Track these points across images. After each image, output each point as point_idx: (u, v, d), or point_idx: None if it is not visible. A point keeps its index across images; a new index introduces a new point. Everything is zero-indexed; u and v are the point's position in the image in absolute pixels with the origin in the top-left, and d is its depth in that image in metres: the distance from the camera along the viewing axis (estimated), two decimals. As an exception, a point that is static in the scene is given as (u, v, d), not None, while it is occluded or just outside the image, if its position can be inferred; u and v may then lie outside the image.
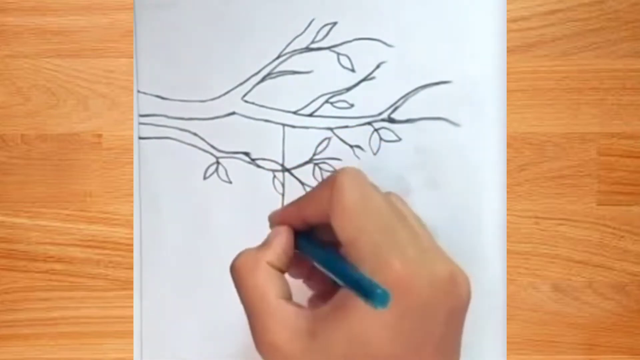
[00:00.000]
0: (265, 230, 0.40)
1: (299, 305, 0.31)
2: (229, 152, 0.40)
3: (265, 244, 0.32)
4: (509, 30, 0.40)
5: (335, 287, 0.30)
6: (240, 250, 0.32)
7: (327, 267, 0.31)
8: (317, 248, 0.32)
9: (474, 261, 0.39)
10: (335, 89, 0.40)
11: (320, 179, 0.40)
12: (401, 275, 0.28)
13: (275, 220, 0.34)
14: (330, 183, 0.31)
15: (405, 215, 0.32)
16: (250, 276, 0.31)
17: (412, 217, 0.33)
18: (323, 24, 0.40)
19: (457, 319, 0.30)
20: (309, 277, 0.35)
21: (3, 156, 0.41)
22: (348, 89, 0.40)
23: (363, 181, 0.31)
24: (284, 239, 0.32)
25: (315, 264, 0.32)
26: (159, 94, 0.41)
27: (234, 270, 0.31)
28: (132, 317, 0.41)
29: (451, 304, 0.30)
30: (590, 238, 0.40)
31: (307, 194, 0.33)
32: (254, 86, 0.40)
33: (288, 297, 0.31)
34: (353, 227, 0.29)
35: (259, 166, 0.40)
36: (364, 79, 0.40)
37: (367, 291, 0.27)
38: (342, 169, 0.31)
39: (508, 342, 0.40)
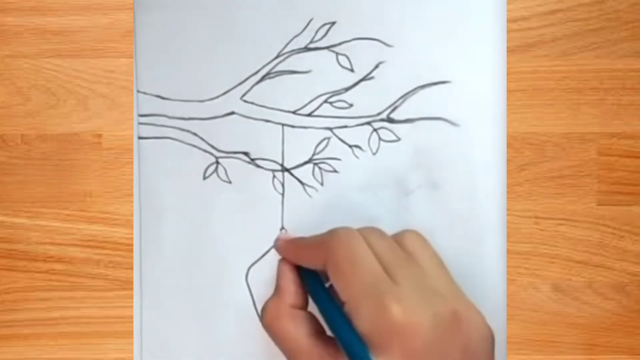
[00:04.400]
0: (264, 230, 0.40)
1: (330, 338, 0.32)
2: (229, 152, 0.40)
3: (278, 288, 0.35)
4: (509, 30, 0.40)
5: None
6: (263, 303, 0.35)
7: (325, 318, 0.33)
8: (319, 290, 0.34)
9: (474, 261, 0.39)
10: (334, 89, 0.40)
11: (319, 179, 0.40)
12: (400, 320, 0.29)
13: (276, 247, 0.37)
14: (324, 246, 0.33)
15: (412, 256, 0.33)
16: (278, 325, 0.33)
17: (425, 256, 0.34)
18: (322, 24, 0.40)
19: (476, 356, 0.31)
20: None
21: (3, 156, 0.41)
22: (347, 89, 0.40)
23: (355, 242, 0.32)
24: (292, 277, 0.35)
25: (315, 305, 0.34)
26: (158, 94, 0.41)
27: (266, 326, 0.34)
28: (132, 317, 0.41)
29: (461, 343, 0.30)
30: (590, 238, 0.40)
31: (306, 245, 0.35)
32: (252, 86, 0.40)
33: (319, 331, 0.33)
34: (349, 289, 0.31)
35: (258, 166, 0.40)
36: (363, 79, 0.40)
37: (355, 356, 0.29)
38: (334, 232, 0.33)
39: (508, 342, 0.40)
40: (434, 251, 0.35)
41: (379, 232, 0.35)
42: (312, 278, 0.35)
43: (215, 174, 0.41)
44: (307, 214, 0.40)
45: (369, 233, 0.34)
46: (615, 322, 0.40)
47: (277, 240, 0.37)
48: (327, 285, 0.34)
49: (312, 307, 0.35)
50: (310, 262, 0.34)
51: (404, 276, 0.31)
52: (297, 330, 0.33)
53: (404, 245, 0.34)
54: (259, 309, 0.40)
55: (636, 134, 0.40)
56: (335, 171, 0.40)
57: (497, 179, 0.39)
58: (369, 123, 0.40)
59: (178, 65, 0.41)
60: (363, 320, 0.30)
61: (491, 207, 0.39)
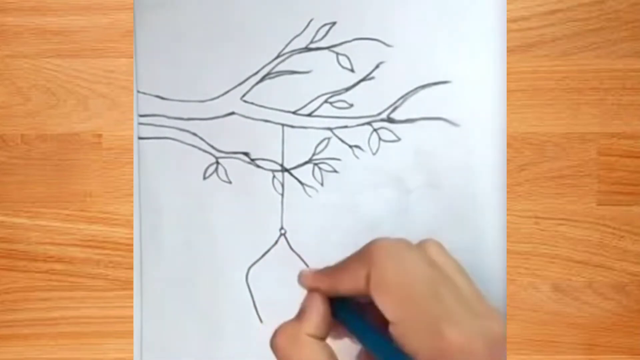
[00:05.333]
0: (264, 230, 0.40)
1: None
2: (229, 152, 0.40)
3: (302, 314, 0.32)
4: (509, 30, 0.40)
5: None
6: (278, 325, 0.32)
7: (366, 344, 0.31)
8: (356, 318, 0.32)
9: (474, 261, 0.39)
10: (335, 89, 0.40)
11: (319, 179, 0.40)
12: (459, 344, 0.28)
13: (306, 284, 0.34)
14: (366, 260, 0.31)
15: (444, 270, 0.32)
16: (293, 352, 0.31)
17: (451, 268, 0.32)
18: (322, 24, 0.40)
19: None
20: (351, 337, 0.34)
21: (3, 156, 0.41)
22: (347, 89, 0.40)
23: (399, 254, 0.31)
24: (320, 307, 0.32)
25: (352, 334, 0.33)
26: (158, 94, 0.41)
27: (276, 347, 0.31)
28: (132, 317, 0.41)
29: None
30: (590, 238, 0.40)
31: (341, 268, 0.32)
32: (253, 86, 0.40)
33: None
34: (399, 307, 0.29)
35: (258, 166, 0.40)
36: (363, 79, 0.40)
37: None
38: (376, 244, 0.31)
39: (508, 342, 0.40)
40: (457, 261, 0.33)
41: (410, 244, 0.33)
42: (347, 310, 0.33)
43: (215, 174, 0.41)
44: (307, 214, 0.40)
45: (405, 244, 0.32)
46: (615, 322, 0.40)
47: (300, 275, 0.34)
48: (364, 316, 0.33)
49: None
50: (348, 285, 0.32)
51: (446, 293, 0.30)
52: (313, 359, 0.31)
53: (431, 257, 0.32)
54: (259, 309, 0.40)
55: (636, 134, 0.40)
56: (335, 171, 0.40)
57: (497, 179, 0.39)
58: (369, 123, 0.40)
59: (178, 65, 0.41)
60: (415, 341, 0.29)
61: (491, 207, 0.39)
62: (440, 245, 0.33)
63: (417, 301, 0.29)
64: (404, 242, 0.32)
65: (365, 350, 0.32)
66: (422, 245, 0.33)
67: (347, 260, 0.32)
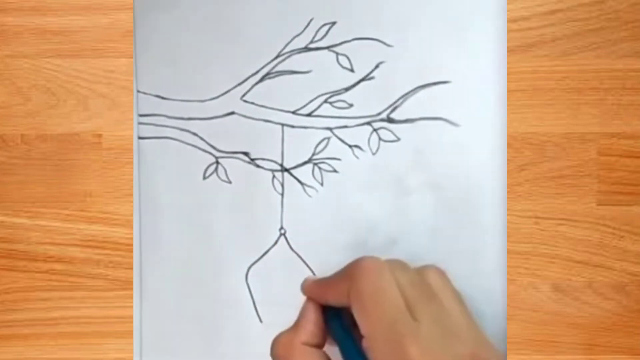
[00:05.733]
0: (264, 230, 0.40)
1: None
2: (229, 152, 0.40)
3: (297, 323, 0.35)
4: (509, 30, 0.40)
5: None
6: (275, 336, 0.34)
7: (343, 352, 0.33)
8: (341, 331, 0.34)
9: (474, 261, 0.39)
10: (334, 89, 0.40)
11: (319, 179, 0.40)
12: None
13: (303, 291, 0.37)
14: (348, 276, 0.32)
15: (434, 293, 0.33)
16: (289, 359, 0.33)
17: (446, 294, 0.33)
18: (322, 24, 0.40)
19: None
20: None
21: (3, 156, 0.41)
22: (347, 89, 0.40)
23: (380, 273, 0.32)
24: (312, 316, 0.35)
25: (335, 341, 0.34)
26: (158, 94, 0.41)
27: (274, 357, 0.33)
28: (132, 317, 0.41)
29: None
30: (590, 238, 0.40)
31: (330, 280, 0.35)
32: (252, 86, 0.40)
33: None
34: (370, 322, 0.31)
35: (258, 166, 0.40)
36: (363, 79, 0.40)
37: None
38: (359, 261, 0.33)
39: (508, 342, 0.40)
40: (456, 289, 0.34)
41: (404, 265, 0.34)
42: (337, 320, 0.34)
43: (215, 174, 0.41)
44: (306, 214, 0.40)
45: (394, 265, 0.33)
46: (615, 322, 0.40)
47: (304, 282, 0.37)
48: (351, 327, 0.34)
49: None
50: (335, 297, 0.34)
51: (426, 314, 0.31)
52: None
53: (426, 281, 0.34)
54: (259, 309, 0.40)
55: (636, 134, 0.40)
56: (335, 171, 0.40)
57: (497, 179, 0.39)
58: (369, 123, 0.40)
59: (178, 65, 0.41)
60: (381, 355, 0.30)
61: (491, 207, 0.39)
62: (441, 273, 0.35)
63: (387, 317, 0.30)
64: (393, 263, 0.34)
65: (342, 358, 0.33)
66: (421, 269, 0.35)
67: (336, 273, 0.34)
